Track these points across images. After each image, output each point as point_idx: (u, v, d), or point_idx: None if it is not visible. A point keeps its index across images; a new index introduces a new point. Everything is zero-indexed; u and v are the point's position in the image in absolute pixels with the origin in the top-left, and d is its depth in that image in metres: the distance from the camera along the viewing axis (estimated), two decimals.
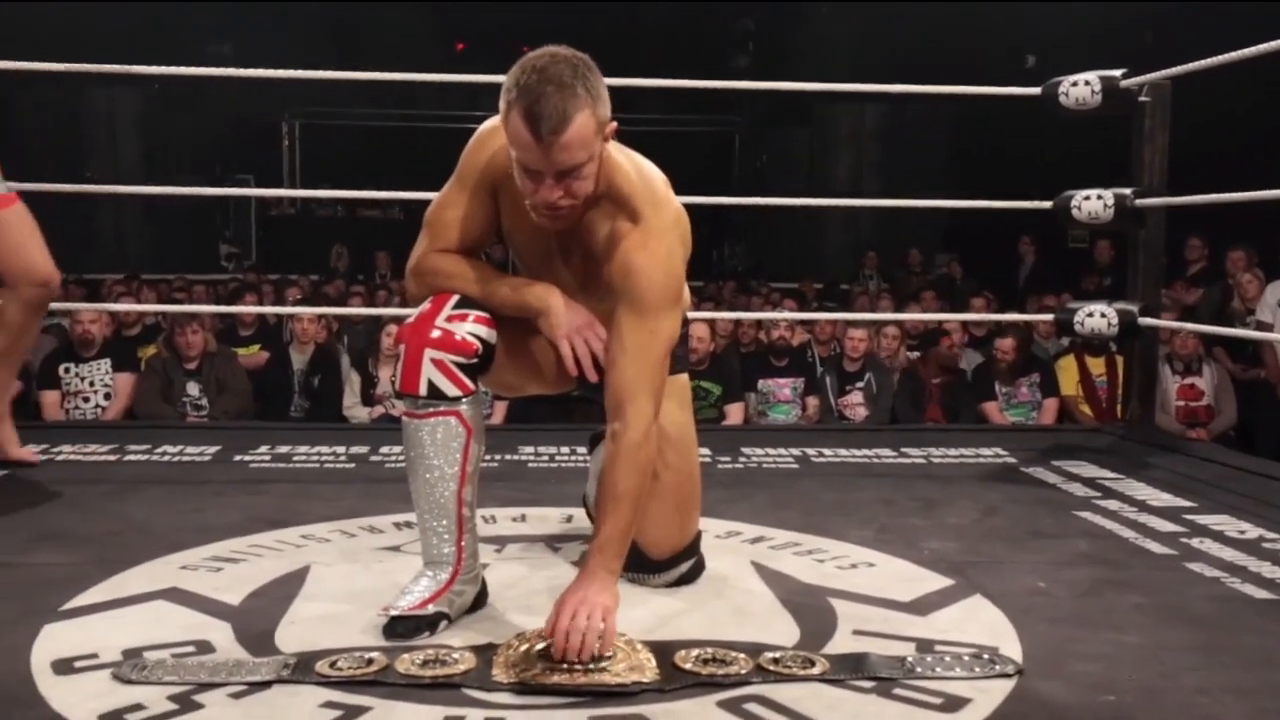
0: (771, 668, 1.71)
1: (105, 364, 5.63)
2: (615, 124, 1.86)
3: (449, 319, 1.89)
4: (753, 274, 11.38)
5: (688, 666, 1.71)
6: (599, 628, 1.70)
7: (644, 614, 1.98)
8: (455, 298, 1.92)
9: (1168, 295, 6.85)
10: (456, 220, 2.00)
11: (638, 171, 1.95)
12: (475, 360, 1.89)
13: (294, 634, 1.87)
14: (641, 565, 2.12)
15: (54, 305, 5.69)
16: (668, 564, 2.13)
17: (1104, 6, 9.55)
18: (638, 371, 1.88)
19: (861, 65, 10.66)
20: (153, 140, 12.18)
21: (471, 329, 1.90)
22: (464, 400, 1.90)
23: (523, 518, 2.63)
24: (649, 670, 1.69)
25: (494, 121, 1.91)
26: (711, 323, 6.02)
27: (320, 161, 13.85)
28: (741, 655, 1.75)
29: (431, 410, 1.89)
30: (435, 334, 1.88)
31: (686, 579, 2.17)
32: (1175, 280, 7.59)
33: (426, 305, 1.93)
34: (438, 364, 1.87)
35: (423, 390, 1.87)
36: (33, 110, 11.39)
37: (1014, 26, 10.63)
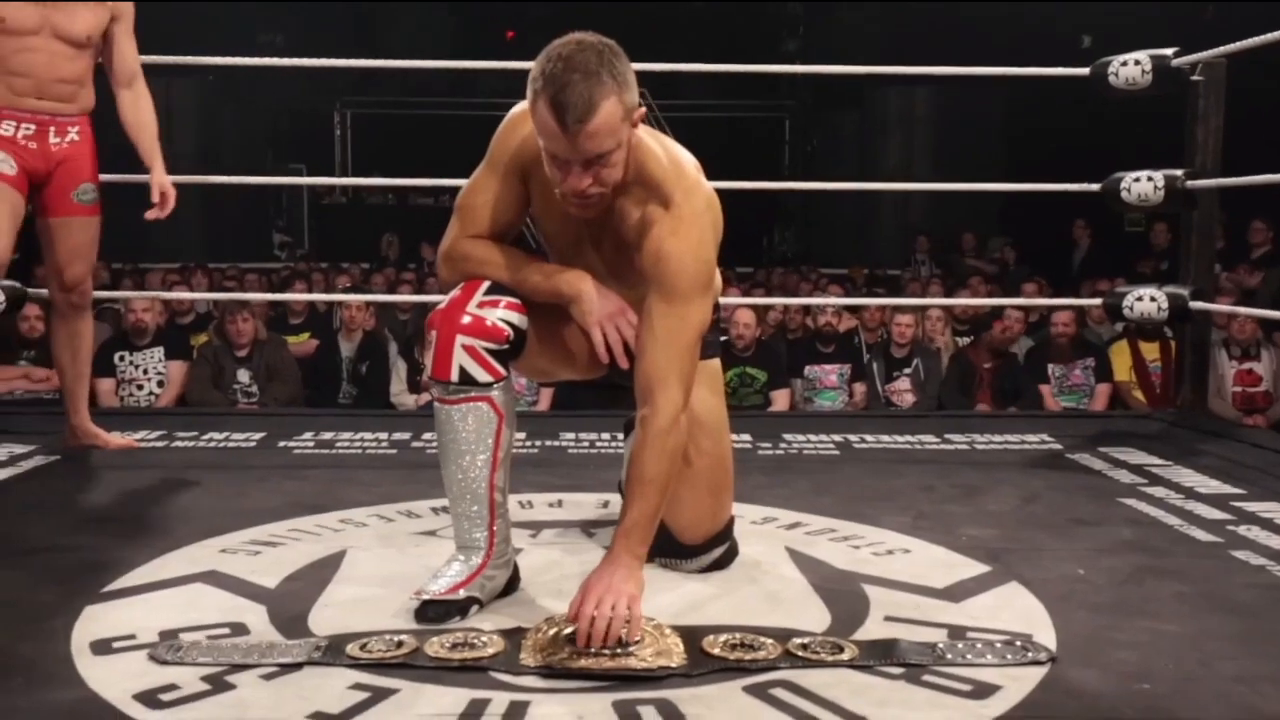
0: (800, 653, 1.71)
1: (158, 352, 5.71)
2: (644, 109, 1.86)
3: (480, 305, 1.90)
4: (803, 260, 11.34)
5: (715, 651, 1.71)
6: (624, 614, 1.71)
7: (674, 599, 1.98)
8: (486, 284, 1.92)
9: (1229, 278, 6.76)
10: (488, 205, 2.00)
11: (669, 156, 1.94)
12: (506, 346, 1.90)
13: (327, 617, 1.89)
14: (674, 550, 2.13)
15: (109, 294, 5.84)
16: (701, 549, 2.13)
17: None
18: (668, 358, 1.87)
19: (911, 49, 10.60)
20: (208, 131, 12.32)
21: (503, 315, 1.90)
22: (495, 386, 1.90)
23: (559, 503, 2.65)
24: (676, 655, 1.70)
25: (523, 106, 1.90)
26: (758, 308, 6.01)
27: (372, 150, 13.99)
28: (770, 640, 1.74)
29: (463, 396, 1.90)
30: (466, 320, 1.88)
31: (719, 564, 2.17)
32: (1239, 263, 7.48)
33: (457, 292, 1.93)
34: (469, 350, 1.87)
35: (454, 376, 1.88)
36: None
37: (1071, 7, 10.50)
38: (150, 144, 3.27)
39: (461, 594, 1.89)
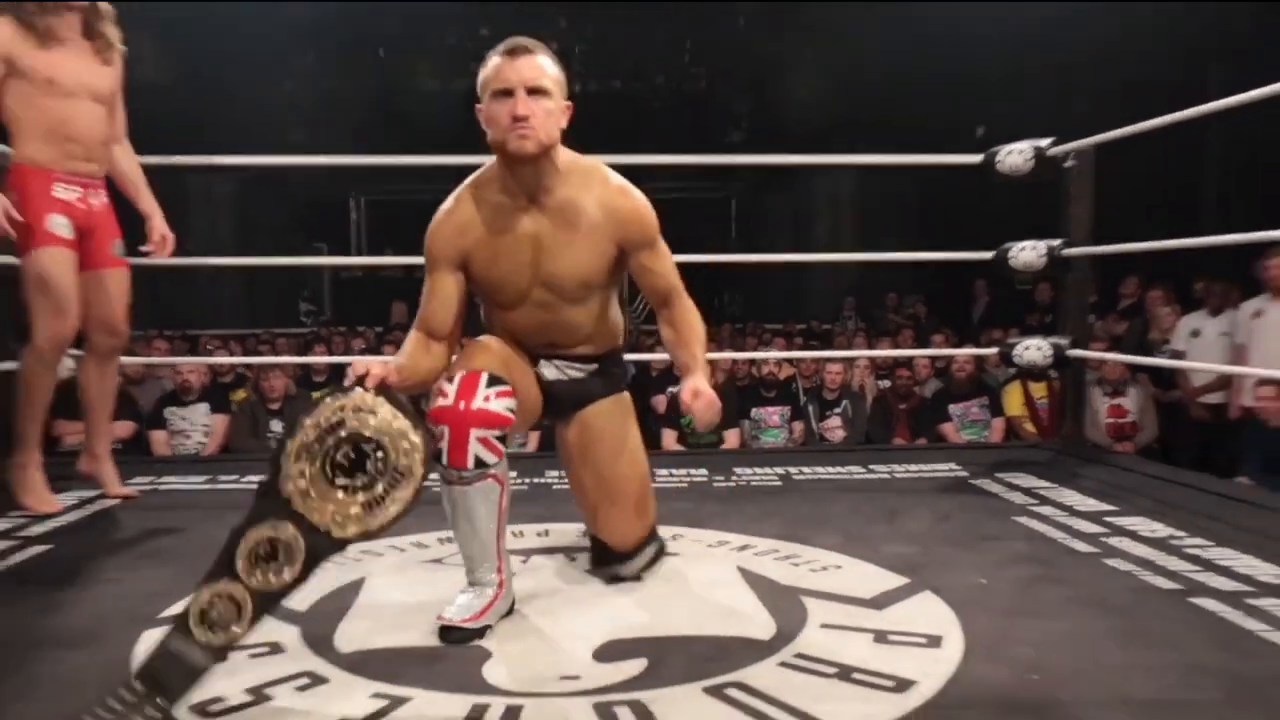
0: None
1: (204, 407, 5.68)
2: (572, 104, 1.95)
3: (486, 398, 1.86)
4: (748, 318, 11.38)
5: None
6: (716, 399, 1.86)
7: (637, 611, 1.98)
8: (486, 375, 1.88)
9: (1101, 327, 6.83)
10: (437, 300, 2.02)
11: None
12: (509, 429, 1.90)
13: (349, 636, 1.88)
14: (613, 559, 2.18)
15: (163, 360, 5.79)
16: (634, 553, 2.18)
17: (1042, 82, 9.62)
18: (672, 278, 2.06)
19: (836, 139, 10.75)
20: (245, 217, 12.31)
21: (507, 404, 1.88)
22: (500, 462, 1.90)
23: (546, 533, 2.64)
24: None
25: (442, 209, 2.01)
26: (712, 361, 6.02)
27: (383, 231, 14.00)
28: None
29: (475, 477, 1.88)
30: (477, 412, 1.85)
31: (653, 564, 2.22)
32: (1109, 313, 7.57)
33: (458, 386, 1.87)
34: (482, 440, 1.85)
35: (470, 465, 1.86)
36: None
37: (968, 101, 10.68)
38: (147, 193, 3.09)
39: (479, 624, 1.88)
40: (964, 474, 3.44)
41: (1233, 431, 5.22)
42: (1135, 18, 8.76)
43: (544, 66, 1.87)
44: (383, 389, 1.65)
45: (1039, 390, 5.82)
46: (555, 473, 3.42)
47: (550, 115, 1.87)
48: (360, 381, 1.64)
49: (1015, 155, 3.69)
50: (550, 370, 2.11)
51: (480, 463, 1.86)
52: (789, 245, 12.54)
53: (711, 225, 13.78)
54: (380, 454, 1.60)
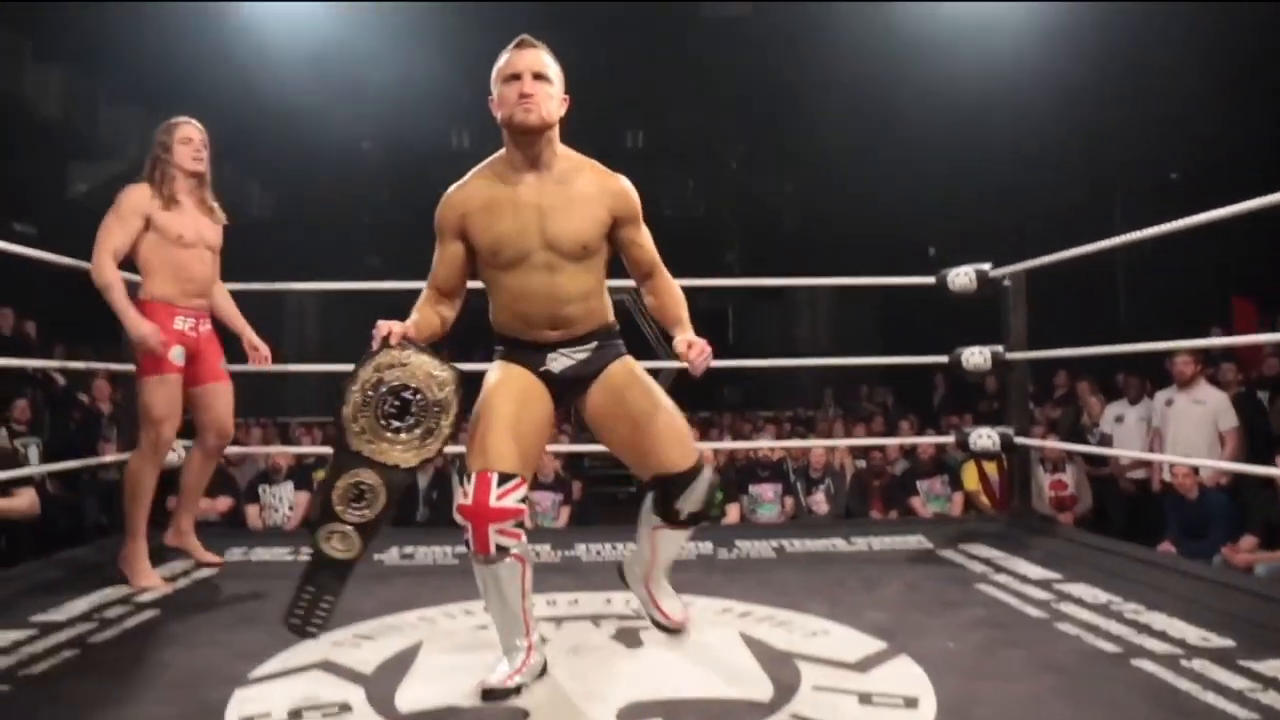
0: None
1: (289, 485, 5.65)
2: (569, 99, 1.95)
3: (499, 496, 1.81)
4: (745, 406, 11.34)
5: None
6: (706, 346, 1.87)
7: (645, 674, 1.92)
8: (495, 475, 1.81)
9: (1040, 412, 6.77)
10: (443, 266, 1.99)
11: None
12: (525, 517, 1.87)
13: (408, 697, 1.83)
14: (673, 494, 1.96)
15: (261, 449, 5.80)
16: (693, 473, 1.95)
17: (993, 211, 9.75)
18: (654, 255, 2.04)
19: (815, 254, 10.85)
20: (326, 327, 12.45)
21: (517, 496, 1.83)
22: (520, 543, 1.86)
23: (576, 601, 2.57)
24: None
25: (450, 189, 1.98)
26: (715, 450, 5.98)
27: (449, 336, 14.12)
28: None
29: (499, 559, 1.84)
30: (493, 509, 1.80)
31: (709, 507, 2.00)
32: (1046, 401, 7.52)
33: (474, 488, 1.82)
34: (500, 531, 1.82)
35: (493, 552, 1.83)
36: (242, 308, 11.67)
37: (921, 225, 10.81)
38: (240, 319, 3.15)
39: (513, 682, 1.83)
40: (930, 545, 3.35)
41: (1156, 501, 5.14)
42: (1050, 155, 8.94)
43: (546, 61, 1.90)
44: (405, 341, 1.77)
45: (991, 468, 5.74)
46: (583, 545, 3.37)
47: (551, 98, 1.88)
48: (385, 342, 1.74)
49: (963, 277, 3.69)
50: (558, 362, 1.99)
51: (501, 548, 1.83)
52: (777, 343, 12.55)
53: (712, 330, 13.82)
54: (419, 396, 1.75)
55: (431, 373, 1.70)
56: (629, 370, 2.02)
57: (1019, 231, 9.49)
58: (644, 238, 2.02)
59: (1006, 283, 3.73)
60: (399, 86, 10.47)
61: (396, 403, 1.72)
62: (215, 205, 3.01)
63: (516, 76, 1.86)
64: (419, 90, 10.31)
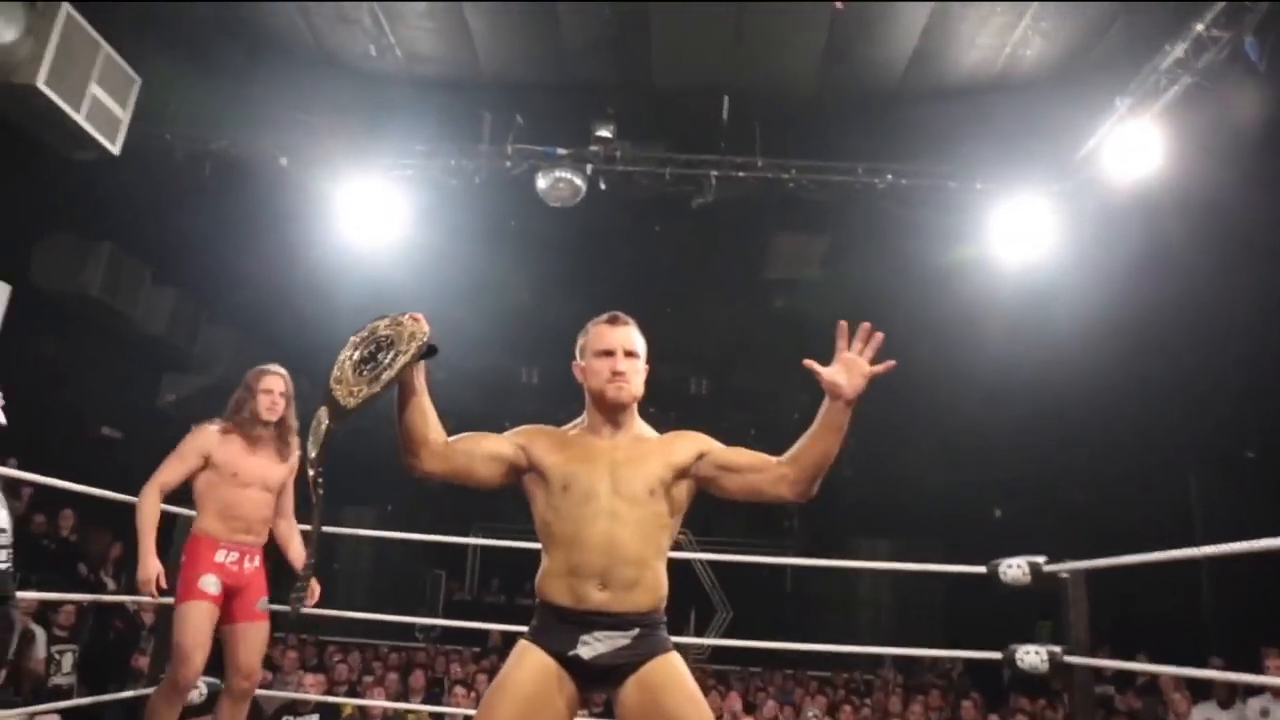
0: None
1: (315, 717, 5.51)
2: (649, 367, 2.02)
3: None
4: (799, 664, 10.79)
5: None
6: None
7: None
8: None
9: (1120, 700, 6.27)
10: (490, 440, 2.00)
11: None
12: None
13: None
14: None
15: (290, 696, 5.71)
16: None
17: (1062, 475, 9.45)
18: (754, 453, 1.95)
19: (878, 516, 10.62)
20: (378, 553, 12.50)
21: None
22: None
23: None
24: None
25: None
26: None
27: (494, 561, 14.03)
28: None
29: None
30: None
31: None
32: (1126, 687, 6.98)
33: None
34: None
35: None
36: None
37: (990, 484, 10.52)
38: (301, 559, 3.13)
39: None
40: None
41: None
42: (1116, 426, 8.71)
43: (635, 336, 1.99)
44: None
45: None
46: None
47: (639, 374, 1.97)
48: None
49: (1015, 569, 3.56)
50: (591, 647, 1.87)
51: None
52: (838, 596, 12.10)
53: (771, 585, 13.49)
54: (391, 349, 1.81)
55: (414, 334, 1.82)
56: (671, 669, 1.90)
57: (1088, 487, 9.09)
58: (733, 452, 1.96)
59: (1064, 575, 3.57)
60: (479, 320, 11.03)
61: (373, 349, 1.83)
62: (295, 446, 3.12)
63: (610, 353, 1.95)
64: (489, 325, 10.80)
